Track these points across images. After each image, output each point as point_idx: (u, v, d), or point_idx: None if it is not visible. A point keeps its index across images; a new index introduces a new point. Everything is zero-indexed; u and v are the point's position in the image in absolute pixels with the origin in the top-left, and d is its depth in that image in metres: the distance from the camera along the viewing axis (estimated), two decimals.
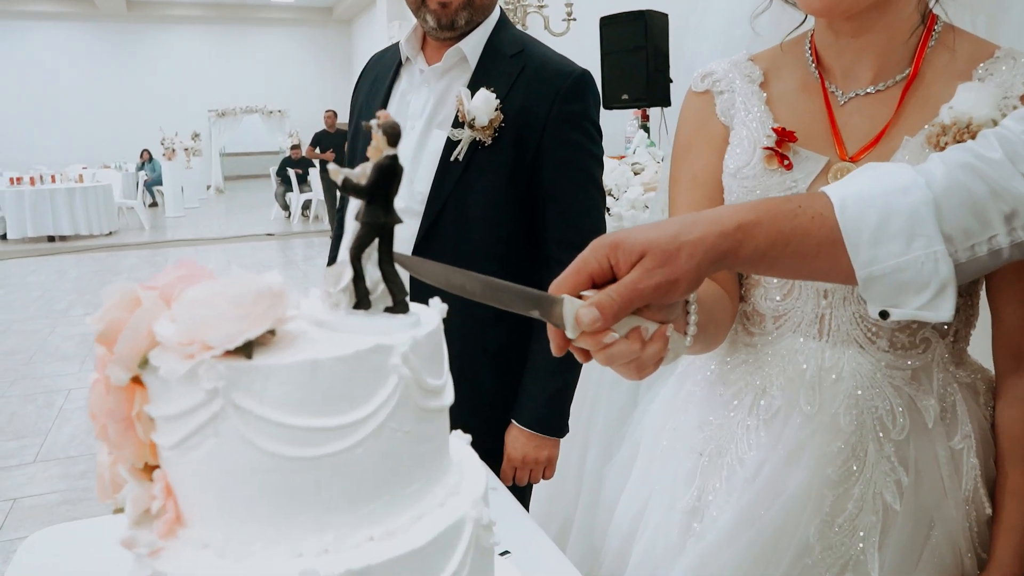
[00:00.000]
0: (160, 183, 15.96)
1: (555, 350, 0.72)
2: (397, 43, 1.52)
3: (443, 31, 1.38)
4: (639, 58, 5.55)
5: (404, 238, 1.37)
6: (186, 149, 15.74)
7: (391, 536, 0.46)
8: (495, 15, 1.45)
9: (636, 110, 3.88)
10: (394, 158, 0.50)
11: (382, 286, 0.51)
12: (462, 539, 0.48)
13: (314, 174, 13.30)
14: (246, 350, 0.44)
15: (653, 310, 0.70)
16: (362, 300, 0.51)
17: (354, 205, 1.45)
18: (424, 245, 1.36)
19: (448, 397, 0.52)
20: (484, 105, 1.31)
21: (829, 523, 0.90)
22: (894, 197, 0.68)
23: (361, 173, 0.51)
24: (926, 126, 0.84)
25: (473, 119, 1.32)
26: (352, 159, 1.56)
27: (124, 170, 15.64)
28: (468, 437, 0.61)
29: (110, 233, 12.17)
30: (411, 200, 1.38)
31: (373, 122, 0.52)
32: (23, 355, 5.45)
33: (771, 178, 0.92)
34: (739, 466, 0.97)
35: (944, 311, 0.68)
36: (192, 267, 0.50)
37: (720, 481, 0.99)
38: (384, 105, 1.47)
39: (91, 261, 9.84)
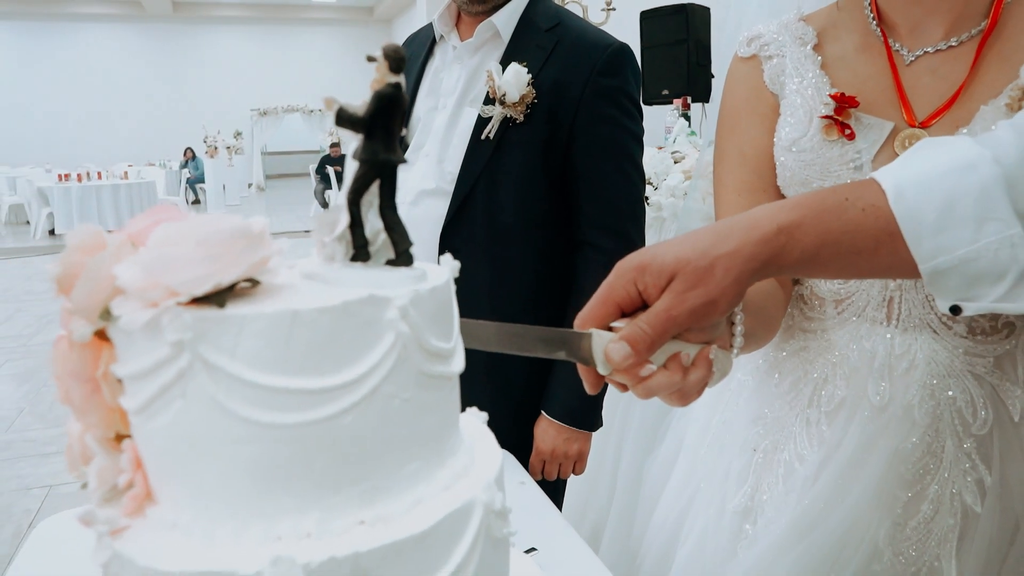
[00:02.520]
0: (203, 181, 16.24)
1: (589, 388, 0.66)
2: (432, 22, 1.46)
3: (475, 5, 1.32)
4: (680, 52, 5.46)
5: (432, 219, 1.31)
6: (228, 147, 15.99)
7: (385, 521, 0.39)
8: None
9: (677, 99, 3.78)
10: (397, 86, 0.43)
11: (383, 236, 0.45)
12: (470, 527, 0.41)
13: None
14: (218, 299, 0.37)
15: (693, 332, 0.62)
16: (360, 251, 0.44)
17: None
18: (453, 227, 1.29)
19: (458, 364, 0.45)
20: (515, 80, 1.24)
21: (901, 527, 0.81)
22: (957, 177, 0.59)
23: (360, 105, 0.44)
24: (1007, 88, 0.75)
25: (504, 95, 1.25)
26: None
27: (168, 168, 15.94)
28: (484, 415, 0.54)
29: None
30: (441, 180, 1.32)
31: (377, 53, 0.45)
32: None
33: (831, 150, 0.83)
34: (798, 463, 0.89)
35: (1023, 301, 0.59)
36: (170, 210, 0.43)
37: (776, 480, 0.90)
38: (417, 84, 1.41)
39: None
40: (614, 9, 4.31)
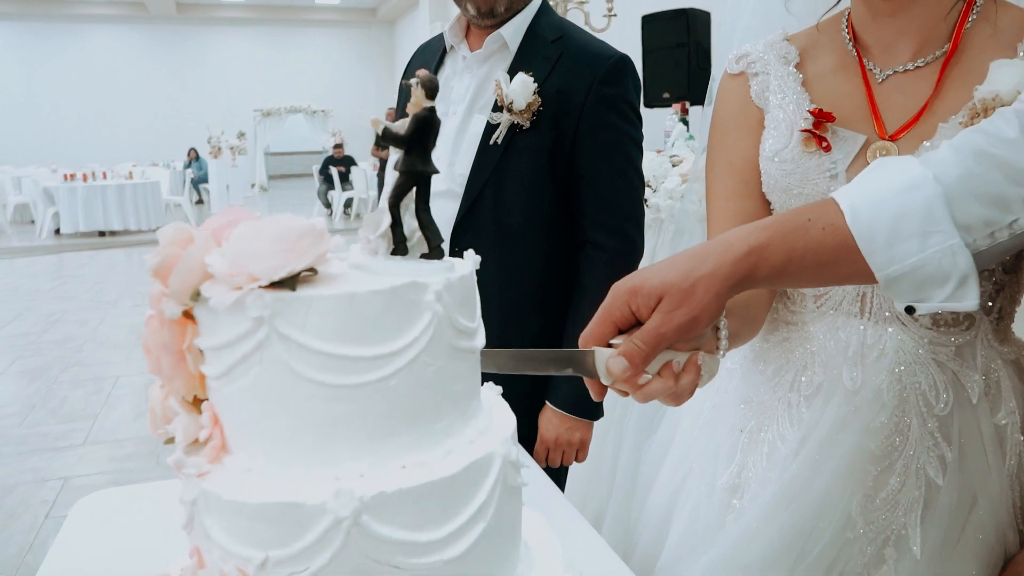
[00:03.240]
0: (206, 181, 16.33)
1: (594, 396, 0.76)
2: (443, 32, 1.55)
3: (483, 18, 1.41)
4: (681, 55, 5.54)
5: (444, 219, 1.40)
6: (232, 148, 16.08)
7: (422, 466, 0.48)
8: (536, 2, 1.46)
9: (676, 103, 3.87)
10: (432, 110, 0.52)
11: (418, 233, 0.53)
12: (491, 474, 0.50)
13: (357, 172, 13.47)
14: (290, 283, 0.46)
15: (682, 342, 0.71)
16: (399, 246, 0.53)
17: (393, 158, 1.48)
18: (463, 226, 1.38)
19: (480, 340, 0.54)
20: (522, 89, 1.33)
21: (872, 498, 0.90)
22: (904, 196, 0.67)
23: (400, 125, 0.53)
24: (964, 107, 0.84)
25: (511, 103, 1.34)
26: None
27: (172, 168, 16.03)
28: (499, 388, 0.63)
29: (157, 229, 12.40)
30: (452, 182, 1.41)
31: (413, 80, 0.54)
32: (74, 343, 5.63)
33: (810, 160, 0.92)
34: (780, 442, 0.97)
35: (969, 300, 0.68)
36: (240, 211, 0.52)
37: (761, 458, 0.99)
38: None
39: (139, 256, 10.10)
40: (615, 15, 4.39)
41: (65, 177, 12.17)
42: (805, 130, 0.90)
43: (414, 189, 0.53)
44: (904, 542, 0.89)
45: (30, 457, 3.63)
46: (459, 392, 0.52)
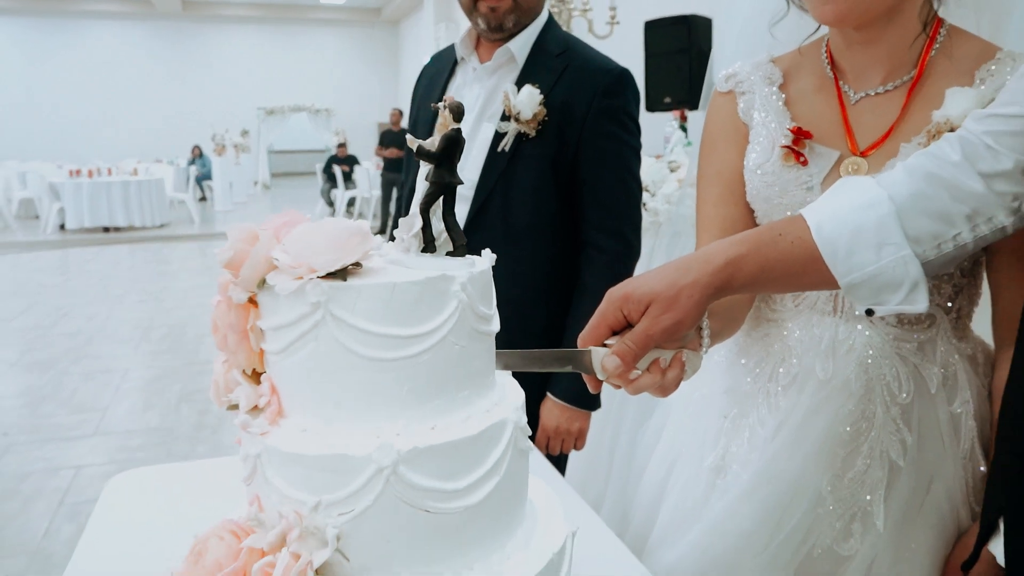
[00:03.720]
0: (210, 178, 16.40)
1: (591, 389, 0.86)
2: (454, 44, 1.65)
3: (493, 32, 1.51)
4: (682, 61, 5.62)
5: None
6: (235, 146, 16.19)
7: (448, 427, 0.58)
8: (543, 17, 1.56)
9: (675, 110, 3.96)
10: (458, 131, 0.62)
11: (445, 234, 0.63)
12: (504, 436, 0.59)
13: (360, 171, 13.55)
14: (341, 274, 0.56)
15: (668, 342, 0.81)
16: (429, 245, 0.63)
17: (423, 171, 1.59)
18: (473, 227, 1.48)
19: (495, 325, 0.63)
20: (528, 100, 1.43)
21: (840, 477, 1.00)
22: (861, 213, 0.77)
23: (431, 143, 0.63)
24: (924, 129, 0.93)
25: (518, 113, 1.44)
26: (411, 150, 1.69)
27: (176, 165, 16.12)
28: (509, 372, 0.72)
29: (162, 225, 12.57)
30: (462, 187, 1.50)
31: (440, 104, 0.64)
32: (83, 336, 5.72)
33: (788, 173, 1.02)
34: (760, 427, 1.07)
35: (920, 303, 0.78)
36: (294, 214, 0.62)
37: (743, 441, 1.09)
38: (439, 100, 1.60)
39: (144, 252, 10.20)
40: (618, 23, 4.49)
41: (71, 173, 12.26)
42: (785, 146, 1.00)
43: (442, 197, 0.63)
44: (869, 517, 0.98)
45: (43, 446, 3.72)
46: (477, 368, 0.61)
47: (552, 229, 1.51)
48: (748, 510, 1.03)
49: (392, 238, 0.65)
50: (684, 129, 3.50)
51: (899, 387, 0.98)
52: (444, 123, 0.62)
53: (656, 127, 5.29)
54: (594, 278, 1.49)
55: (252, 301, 0.60)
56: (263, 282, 0.58)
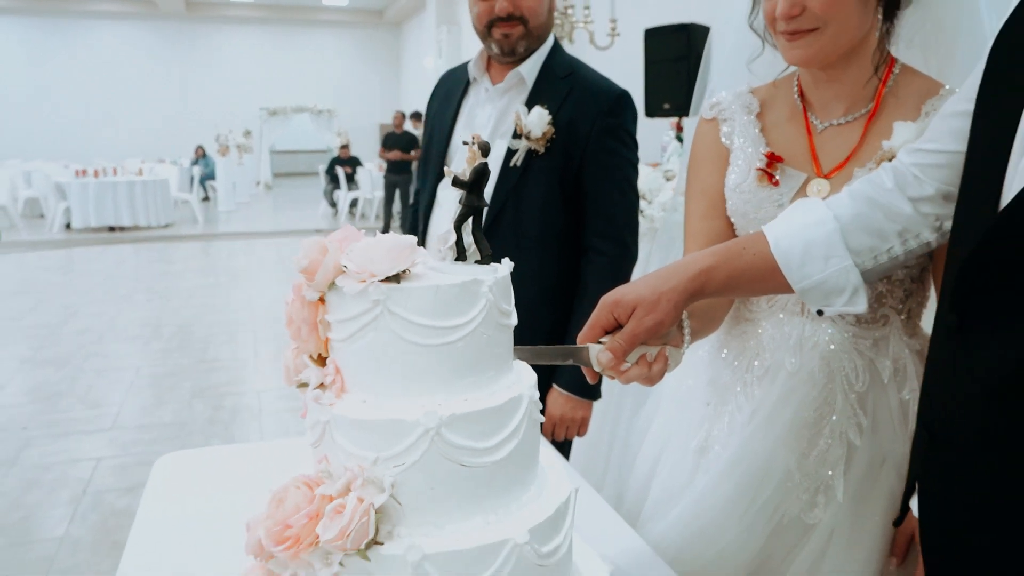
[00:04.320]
0: (213, 178, 16.54)
1: (589, 379, 1.03)
2: (466, 63, 1.80)
3: (505, 57, 1.66)
4: (681, 68, 5.75)
5: None
6: (238, 146, 16.32)
7: (478, 399, 0.73)
8: (549, 42, 1.72)
9: (673, 120, 4.12)
10: (485, 164, 0.77)
11: (474, 247, 0.78)
12: (521, 407, 0.75)
13: (363, 173, 13.69)
14: (396, 278, 0.71)
15: (653, 339, 0.97)
16: (461, 255, 0.78)
17: (452, 193, 1.75)
18: (488, 234, 1.62)
19: (513, 319, 0.79)
20: (538, 120, 1.59)
21: (806, 455, 1.15)
22: (812, 230, 0.94)
23: (463, 173, 0.78)
24: (875, 156, 1.09)
25: (529, 132, 1.60)
26: (426, 158, 1.84)
27: (179, 165, 16.25)
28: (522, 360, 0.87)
29: (166, 225, 12.72)
30: None
31: (470, 140, 0.79)
32: (93, 334, 5.87)
33: (762, 192, 1.17)
34: (737, 413, 1.23)
35: (860, 306, 0.95)
36: (352, 231, 0.77)
37: (723, 425, 1.24)
38: (454, 118, 1.75)
39: (149, 251, 10.34)
40: (619, 35, 4.64)
41: (77, 173, 12.40)
42: (760, 168, 1.16)
43: (471, 217, 0.78)
44: (831, 490, 1.14)
45: (64, 439, 3.87)
46: (499, 353, 0.76)
47: (559, 236, 1.66)
48: (727, 485, 1.18)
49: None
50: (680, 139, 3.66)
51: (856, 378, 1.14)
52: (472, 157, 0.77)
53: (654, 135, 5.43)
54: (595, 280, 1.65)
55: (321, 299, 0.75)
56: (332, 284, 0.73)
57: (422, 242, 1.81)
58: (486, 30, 1.65)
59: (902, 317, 1.17)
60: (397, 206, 11.56)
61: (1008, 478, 0.73)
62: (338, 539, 0.67)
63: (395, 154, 11.47)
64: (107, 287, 7.77)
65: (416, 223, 1.88)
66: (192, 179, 14.97)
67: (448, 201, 1.74)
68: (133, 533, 1.26)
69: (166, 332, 5.96)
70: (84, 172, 12.41)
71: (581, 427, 1.75)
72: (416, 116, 12.33)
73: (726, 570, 1.16)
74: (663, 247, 2.65)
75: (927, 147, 0.93)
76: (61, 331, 5.93)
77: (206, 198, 16.71)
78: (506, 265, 0.80)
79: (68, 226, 12.06)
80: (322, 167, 14.77)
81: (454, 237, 0.78)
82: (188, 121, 20.63)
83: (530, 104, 1.64)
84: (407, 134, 11.83)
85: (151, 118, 20.72)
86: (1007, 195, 0.73)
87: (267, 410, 4.32)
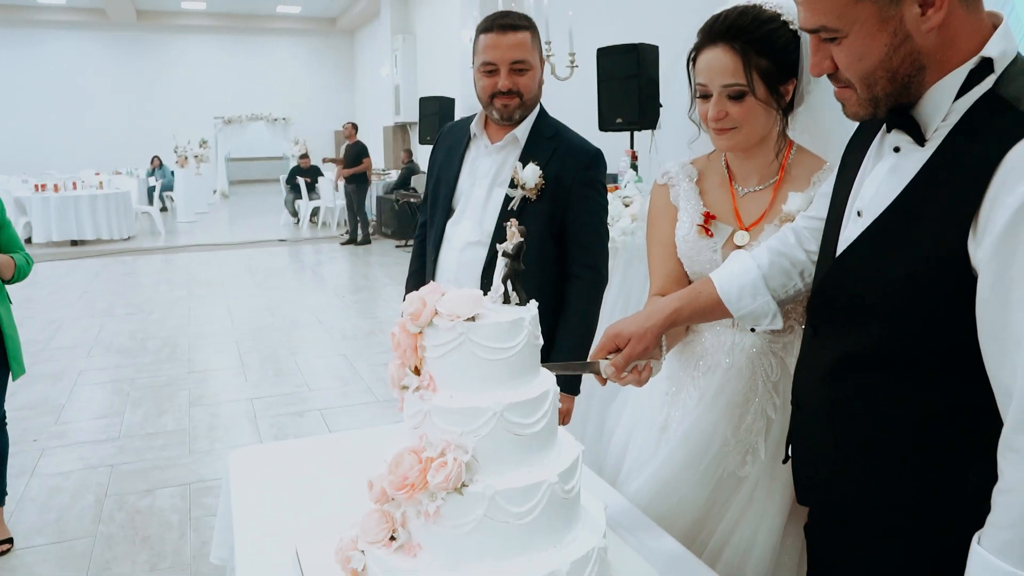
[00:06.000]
0: (170, 189, 16.57)
1: (600, 384, 1.48)
2: (465, 120, 2.21)
3: (504, 121, 2.08)
4: (632, 86, 6.19)
5: (476, 261, 2.07)
6: (196, 156, 16.37)
7: (524, 393, 1.14)
8: (538, 108, 2.14)
9: (628, 150, 4.57)
10: (523, 241, 1.19)
11: (515, 295, 1.21)
12: (549, 397, 1.17)
13: (323, 182, 13.94)
14: (472, 318, 1.13)
15: (641, 357, 1.41)
16: (507, 300, 1.20)
17: (458, 230, 2.04)
18: (490, 269, 2.05)
19: (541, 341, 1.21)
20: (531, 174, 2.01)
21: (738, 427, 1.59)
22: (743, 276, 1.39)
23: (507, 246, 1.20)
24: (777, 217, 1.53)
25: (524, 183, 2.02)
26: (435, 199, 2.24)
27: (136, 176, 16.23)
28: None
29: (128, 238, 12.80)
30: (481, 235, 2.08)
31: (514, 227, 1.21)
32: (82, 349, 6.11)
33: (701, 241, 1.61)
34: (689, 399, 1.66)
35: (779, 324, 1.41)
36: (435, 286, 1.19)
37: (678, 409, 1.68)
38: (459, 168, 2.17)
39: (117, 264, 10.47)
40: (577, 66, 5.08)
41: (36, 187, 12.41)
42: (699, 224, 1.60)
43: (512, 276, 1.20)
44: (756, 451, 1.58)
45: (77, 448, 4.16)
46: (533, 364, 1.19)
47: (549, 266, 2.09)
48: (682, 452, 1.62)
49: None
50: (635, 167, 4.11)
51: (771, 371, 1.59)
52: (512, 236, 1.19)
53: (613, 146, 5.88)
54: (577, 299, 2.08)
55: (420, 332, 1.16)
56: (430, 322, 1.14)
57: (433, 270, 2.21)
58: (489, 100, 2.07)
59: (801, 327, 1.62)
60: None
61: (837, 427, 1.18)
62: (444, 483, 1.09)
63: (340, 161, 12.23)
64: (86, 301, 7.95)
65: (422, 250, 2.30)
66: (153, 190, 15.00)
67: (455, 237, 2.15)
68: (236, 515, 1.62)
69: (152, 344, 6.22)
70: (44, 187, 12.41)
71: (566, 417, 2.17)
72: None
73: (684, 513, 1.60)
74: (623, 265, 3.11)
75: (812, 215, 1.38)
76: (50, 347, 6.15)
77: (163, 209, 16.73)
78: (533, 306, 1.22)
79: (29, 240, 12.06)
80: (283, 177, 14.94)
81: (502, 289, 1.20)
82: (143, 131, 20.51)
83: (523, 160, 2.06)
84: (358, 143, 12.19)
85: (105, 129, 20.54)
86: (840, 248, 1.18)
87: (261, 415, 4.65)
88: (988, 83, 0.99)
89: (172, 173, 16.34)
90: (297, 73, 22.70)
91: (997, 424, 0.95)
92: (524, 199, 2.05)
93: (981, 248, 0.94)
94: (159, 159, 17.46)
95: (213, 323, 6.89)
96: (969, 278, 0.97)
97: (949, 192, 0.98)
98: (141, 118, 20.90)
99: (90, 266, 10.29)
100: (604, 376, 1.42)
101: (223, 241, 12.58)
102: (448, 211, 2.19)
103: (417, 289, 2.36)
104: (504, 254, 1.19)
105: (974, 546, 0.95)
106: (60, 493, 3.63)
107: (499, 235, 2.06)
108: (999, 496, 0.94)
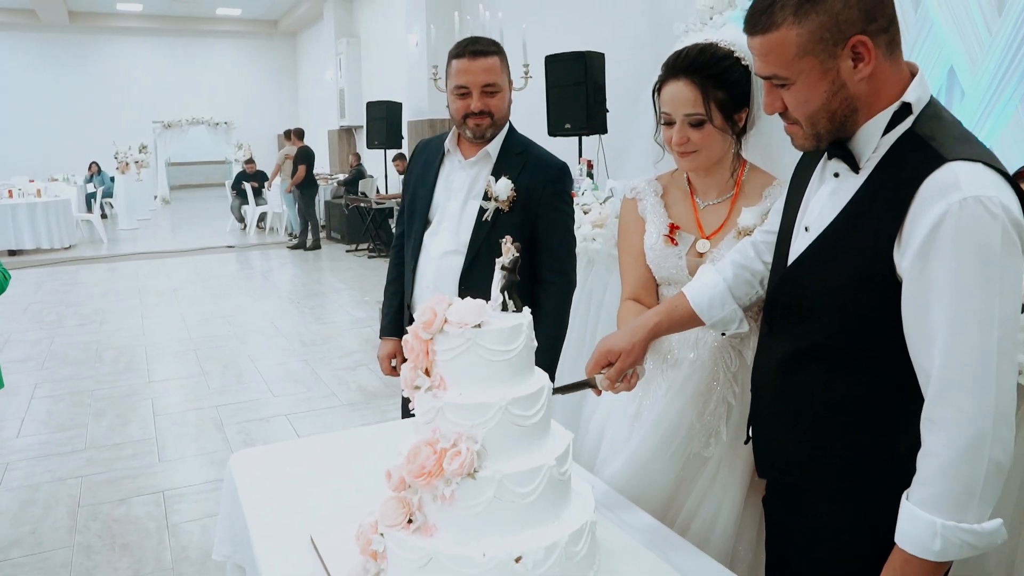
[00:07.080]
0: (110, 196, 16.20)
1: (596, 395, 1.66)
2: (439, 136, 2.37)
3: (477, 139, 2.24)
4: (579, 92, 6.40)
5: (453, 270, 2.23)
6: (136, 162, 16.03)
7: (524, 390, 1.31)
8: (507, 126, 2.31)
9: (584, 159, 4.77)
10: (517, 258, 1.36)
11: (512, 303, 1.37)
12: (544, 392, 1.34)
13: (273, 187, 13.83)
14: (478, 325, 1.29)
15: (630, 368, 1.59)
16: (505, 309, 1.36)
17: (434, 240, 2.18)
18: (467, 276, 2.21)
19: (535, 343, 1.38)
20: (504, 188, 2.18)
21: (702, 413, 1.79)
22: (711, 289, 1.58)
23: (504, 260, 1.36)
24: (734, 228, 1.73)
25: (497, 196, 2.18)
26: (412, 211, 2.39)
27: (74, 183, 15.81)
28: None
29: (69, 247, 12.50)
30: (457, 244, 2.24)
31: (509, 243, 1.37)
32: (35, 362, 6.02)
33: (667, 250, 1.80)
34: (659, 390, 1.85)
35: (745, 327, 1.60)
36: (442, 298, 1.34)
37: (649, 398, 1.87)
38: (434, 182, 2.32)
39: (61, 274, 10.25)
40: (531, 77, 5.26)
41: None
42: (665, 234, 1.79)
43: (509, 287, 1.36)
44: (718, 434, 1.78)
45: (43, 461, 4.16)
46: (531, 363, 1.35)
47: (523, 274, 2.25)
48: (654, 437, 1.81)
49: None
50: (591, 176, 4.32)
51: (731, 362, 1.79)
52: (507, 252, 1.36)
53: (566, 149, 6.07)
54: (549, 303, 2.26)
55: (431, 338, 1.32)
56: (441, 329, 1.30)
57: (412, 279, 2.36)
58: (462, 120, 2.22)
59: (758, 324, 1.82)
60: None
61: (790, 409, 1.38)
62: (459, 469, 1.25)
63: (276, 168, 12.47)
64: (33, 313, 7.80)
65: (400, 260, 2.45)
66: (93, 198, 14.64)
67: (433, 247, 2.31)
68: (248, 513, 1.75)
69: (108, 355, 6.18)
70: None
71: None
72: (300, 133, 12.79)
73: (656, 493, 1.79)
74: (583, 268, 3.30)
75: (768, 229, 1.58)
76: (0, 360, 6.04)
77: (104, 216, 16.34)
78: (528, 313, 1.39)
79: None
80: (228, 182, 14.76)
81: (501, 299, 1.36)
82: (79, 136, 19.92)
83: (495, 174, 2.22)
84: (305, 148, 12.17)
85: (39, 134, 19.88)
86: (791, 259, 1.38)
87: (228, 422, 4.71)
88: (908, 123, 1.20)
89: (112, 179, 15.98)
90: (238, 76, 22.36)
91: (920, 400, 1.16)
92: (497, 210, 2.21)
93: (904, 258, 1.15)
94: (97, 165, 17.03)
95: (168, 332, 6.86)
96: (895, 283, 1.18)
97: (879, 212, 1.19)
98: (76, 123, 20.27)
99: (31, 276, 10.05)
100: (600, 388, 1.60)
101: (169, 248, 12.39)
102: (425, 223, 2.34)
103: (397, 296, 2.52)
104: (502, 268, 1.35)
105: (904, 502, 1.16)
106: (32, 505, 3.65)
107: (476, 244, 2.23)
108: (922, 459, 1.15)
